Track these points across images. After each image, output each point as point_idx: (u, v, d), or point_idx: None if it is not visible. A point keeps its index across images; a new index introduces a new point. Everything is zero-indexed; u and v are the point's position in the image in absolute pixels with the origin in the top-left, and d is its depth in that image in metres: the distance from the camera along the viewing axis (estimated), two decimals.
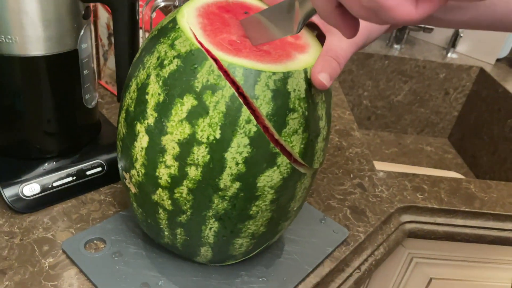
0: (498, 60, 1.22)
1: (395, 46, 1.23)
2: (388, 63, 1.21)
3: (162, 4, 0.60)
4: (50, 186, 0.52)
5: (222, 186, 0.37)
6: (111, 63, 0.74)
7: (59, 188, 0.53)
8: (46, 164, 0.54)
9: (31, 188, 0.51)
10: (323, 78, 0.34)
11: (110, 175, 0.57)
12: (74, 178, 0.54)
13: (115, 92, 0.76)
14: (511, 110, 1.07)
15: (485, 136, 1.15)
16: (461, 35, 1.20)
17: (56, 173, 0.53)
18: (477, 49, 1.22)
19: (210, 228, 0.40)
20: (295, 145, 0.36)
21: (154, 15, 0.62)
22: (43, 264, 0.46)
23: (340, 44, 0.37)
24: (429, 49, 1.26)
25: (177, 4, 0.61)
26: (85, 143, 0.58)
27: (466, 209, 0.65)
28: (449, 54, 1.23)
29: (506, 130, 1.09)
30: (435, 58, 1.21)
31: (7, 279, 0.44)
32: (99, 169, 0.56)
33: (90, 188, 0.55)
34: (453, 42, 1.22)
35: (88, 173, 0.55)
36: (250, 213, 0.39)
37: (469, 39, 1.23)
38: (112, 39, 0.72)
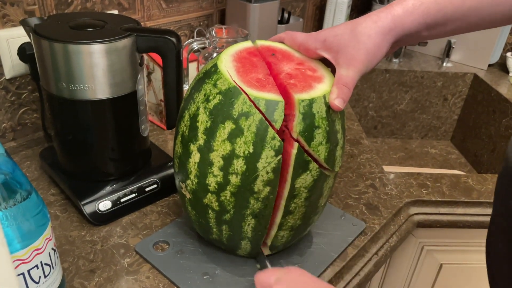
0: (490, 65, 1.33)
1: (394, 60, 1.34)
2: (389, 76, 1.32)
3: (196, 47, 0.73)
4: (118, 202, 0.64)
5: (256, 189, 0.48)
6: (151, 97, 0.86)
7: (126, 203, 0.65)
8: (112, 184, 0.66)
9: (104, 205, 0.63)
10: (338, 103, 0.46)
11: (163, 190, 0.69)
12: (136, 194, 0.66)
13: (154, 121, 0.89)
14: (504, 111, 1.18)
15: (484, 136, 1.25)
16: (453, 46, 1.32)
17: (122, 191, 0.65)
18: (470, 57, 1.33)
19: (248, 225, 0.51)
20: (321, 153, 0.48)
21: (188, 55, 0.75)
22: (123, 263, 0.57)
23: (348, 74, 0.48)
24: (425, 60, 1.38)
25: (207, 46, 0.74)
26: (141, 165, 0.70)
27: (466, 200, 0.75)
28: (444, 64, 1.34)
29: (502, 129, 1.19)
30: (432, 68, 1.32)
31: (97, 276, 0.55)
32: (155, 185, 0.68)
33: (149, 202, 0.67)
34: (447, 52, 1.33)
35: (146, 189, 0.67)
36: (290, 209, 0.50)
37: (461, 48, 1.33)
38: (151, 76, 0.85)
